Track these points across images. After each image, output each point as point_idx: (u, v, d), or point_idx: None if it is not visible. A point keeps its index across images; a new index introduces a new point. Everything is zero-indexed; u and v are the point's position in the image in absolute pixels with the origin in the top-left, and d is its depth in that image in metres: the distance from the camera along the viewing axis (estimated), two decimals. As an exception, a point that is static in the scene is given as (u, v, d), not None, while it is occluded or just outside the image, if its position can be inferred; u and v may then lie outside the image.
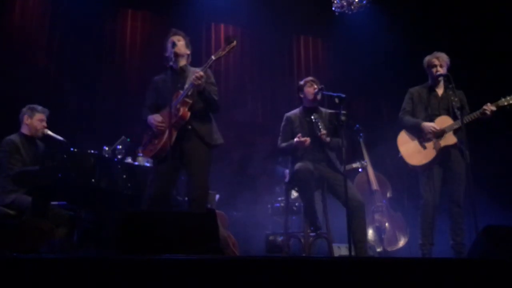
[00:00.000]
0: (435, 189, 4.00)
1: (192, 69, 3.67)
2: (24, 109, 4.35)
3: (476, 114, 3.94)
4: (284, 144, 4.17)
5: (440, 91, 4.17)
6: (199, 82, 3.38)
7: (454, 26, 6.34)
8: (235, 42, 3.46)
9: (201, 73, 3.39)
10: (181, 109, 3.44)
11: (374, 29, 6.63)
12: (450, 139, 3.99)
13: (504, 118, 4.18)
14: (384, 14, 6.65)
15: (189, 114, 3.46)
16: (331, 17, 6.70)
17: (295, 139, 3.97)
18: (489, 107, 3.92)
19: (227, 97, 6.56)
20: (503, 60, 5.81)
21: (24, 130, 4.29)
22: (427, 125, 4.02)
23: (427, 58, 4.19)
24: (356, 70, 6.85)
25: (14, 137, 4.23)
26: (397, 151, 4.19)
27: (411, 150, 4.09)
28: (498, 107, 3.94)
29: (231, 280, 1.82)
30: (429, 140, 4.03)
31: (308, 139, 3.94)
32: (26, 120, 4.29)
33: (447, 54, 4.22)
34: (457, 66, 4.33)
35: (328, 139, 3.98)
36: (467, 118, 3.92)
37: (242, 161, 5.98)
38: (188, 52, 3.72)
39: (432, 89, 4.18)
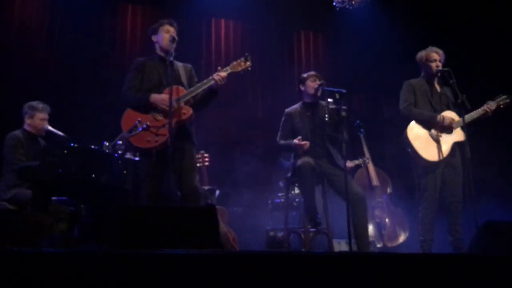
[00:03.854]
0: (437, 186, 3.98)
1: (178, 63, 3.66)
2: (25, 108, 4.32)
3: (478, 112, 3.97)
4: (282, 142, 4.17)
5: (437, 86, 4.17)
6: (224, 82, 3.48)
7: (454, 21, 6.32)
8: (249, 63, 3.57)
9: (225, 74, 3.49)
10: (188, 109, 3.46)
11: (374, 24, 6.61)
12: (460, 136, 3.97)
13: (503, 113, 4.19)
14: (384, 9, 6.64)
15: (193, 114, 3.50)
16: (332, 12, 6.69)
17: (295, 141, 3.96)
18: (491, 106, 3.97)
19: (227, 92, 6.55)
20: (503, 55, 5.80)
21: (27, 127, 4.30)
22: (444, 118, 3.97)
23: (424, 53, 4.14)
24: (357, 65, 6.84)
25: (17, 132, 4.24)
26: (406, 145, 4.05)
27: (426, 144, 3.98)
28: (496, 105, 4.02)
29: (231, 275, 1.83)
30: (441, 133, 3.98)
31: (307, 143, 3.95)
32: (27, 119, 4.29)
33: (447, 49, 4.21)
34: (456, 60, 4.33)
35: (306, 145, 3.97)
36: (471, 115, 3.97)
37: (242, 156, 5.98)
38: None
39: (430, 84, 4.16)
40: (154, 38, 3.68)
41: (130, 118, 3.51)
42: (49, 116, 4.37)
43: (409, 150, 4.04)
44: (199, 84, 3.51)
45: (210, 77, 3.49)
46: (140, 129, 3.44)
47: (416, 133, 4.03)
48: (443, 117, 3.98)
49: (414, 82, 4.18)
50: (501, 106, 4.07)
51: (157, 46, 3.68)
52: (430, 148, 3.97)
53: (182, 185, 3.51)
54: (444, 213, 3.99)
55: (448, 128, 3.99)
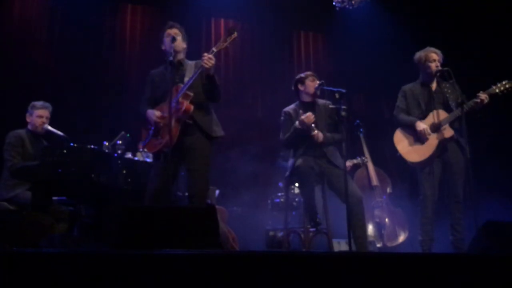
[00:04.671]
0: (434, 185, 3.98)
1: (189, 62, 3.66)
2: (28, 107, 4.39)
3: (471, 103, 3.91)
4: (288, 135, 4.09)
5: (433, 86, 4.16)
6: (211, 63, 3.36)
7: (453, 21, 6.32)
8: (235, 34, 3.43)
9: (211, 55, 3.37)
10: (184, 103, 3.41)
11: (374, 24, 6.62)
12: (447, 133, 3.96)
13: (503, 112, 4.18)
14: (384, 9, 6.64)
15: (192, 107, 3.43)
16: (332, 12, 6.69)
17: (300, 118, 3.91)
18: (482, 95, 3.91)
19: (227, 92, 6.55)
20: (503, 55, 5.80)
21: (29, 127, 4.34)
22: (421, 126, 3.99)
23: (423, 53, 4.12)
24: (356, 65, 6.84)
25: (21, 131, 4.28)
26: (395, 150, 4.16)
27: (409, 147, 4.07)
28: (490, 95, 3.93)
29: (231, 275, 1.82)
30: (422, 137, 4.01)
31: (311, 115, 3.89)
32: (28, 118, 4.35)
33: (446, 49, 4.21)
34: (456, 60, 4.33)
35: (320, 137, 3.95)
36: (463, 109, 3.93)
37: (242, 156, 5.98)
38: (185, 45, 3.70)
39: (425, 85, 4.15)
40: (162, 46, 3.69)
41: (146, 129, 3.64)
42: (50, 114, 4.38)
43: (398, 154, 4.14)
44: (191, 75, 3.47)
45: (199, 65, 3.45)
46: (150, 137, 3.56)
47: (400, 137, 4.15)
48: (420, 127, 3.99)
49: (406, 88, 4.22)
50: (504, 91, 3.94)
51: (166, 53, 3.68)
52: (413, 150, 4.04)
53: (189, 186, 3.50)
54: (445, 213, 3.99)
55: (436, 128, 3.98)
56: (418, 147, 4.04)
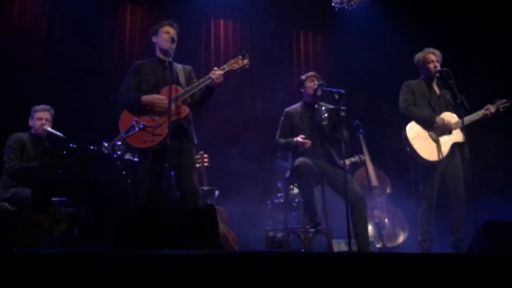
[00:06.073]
0: (435, 186, 3.98)
1: (177, 65, 3.68)
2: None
3: (478, 114, 4.01)
4: (282, 141, 4.15)
5: (436, 88, 4.17)
6: (221, 80, 3.45)
7: (453, 21, 6.32)
8: (247, 60, 3.52)
9: (222, 72, 3.46)
10: (184, 108, 3.46)
11: (373, 24, 6.62)
12: (459, 137, 3.99)
13: (503, 112, 4.20)
14: (383, 10, 6.64)
15: (190, 113, 3.50)
16: (331, 13, 6.70)
17: (297, 138, 3.95)
18: (491, 109, 4.03)
19: (226, 92, 6.55)
20: (503, 56, 5.80)
21: (32, 130, 4.38)
22: (443, 120, 3.97)
23: (421, 55, 4.15)
24: (356, 65, 6.84)
25: (22, 134, 4.31)
26: (405, 144, 4.04)
27: (425, 144, 3.98)
28: (495, 109, 4.08)
29: (231, 275, 1.82)
30: (440, 135, 4.00)
31: (309, 142, 3.94)
32: (30, 122, 4.39)
33: (446, 49, 4.21)
34: (456, 60, 4.33)
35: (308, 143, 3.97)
36: (471, 117, 4.00)
37: (242, 156, 5.99)
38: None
39: (429, 86, 4.16)
40: (154, 39, 3.71)
41: (127, 119, 3.58)
42: (51, 117, 4.40)
43: (408, 149, 4.04)
44: (196, 83, 3.52)
45: (207, 76, 3.49)
46: (137, 129, 3.50)
47: (415, 132, 4.03)
48: (442, 119, 3.98)
49: (412, 83, 4.19)
50: (501, 110, 4.12)
51: (156, 48, 3.71)
52: (429, 148, 3.97)
53: (181, 186, 3.52)
54: (446, 212, 3.99)
55: (446, 131, 4.00)
56: (434, 146, 3.98)
